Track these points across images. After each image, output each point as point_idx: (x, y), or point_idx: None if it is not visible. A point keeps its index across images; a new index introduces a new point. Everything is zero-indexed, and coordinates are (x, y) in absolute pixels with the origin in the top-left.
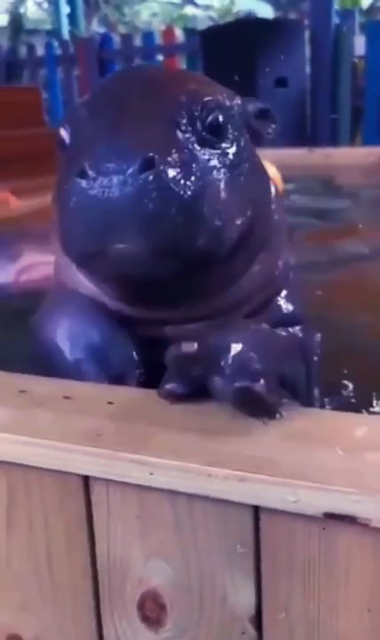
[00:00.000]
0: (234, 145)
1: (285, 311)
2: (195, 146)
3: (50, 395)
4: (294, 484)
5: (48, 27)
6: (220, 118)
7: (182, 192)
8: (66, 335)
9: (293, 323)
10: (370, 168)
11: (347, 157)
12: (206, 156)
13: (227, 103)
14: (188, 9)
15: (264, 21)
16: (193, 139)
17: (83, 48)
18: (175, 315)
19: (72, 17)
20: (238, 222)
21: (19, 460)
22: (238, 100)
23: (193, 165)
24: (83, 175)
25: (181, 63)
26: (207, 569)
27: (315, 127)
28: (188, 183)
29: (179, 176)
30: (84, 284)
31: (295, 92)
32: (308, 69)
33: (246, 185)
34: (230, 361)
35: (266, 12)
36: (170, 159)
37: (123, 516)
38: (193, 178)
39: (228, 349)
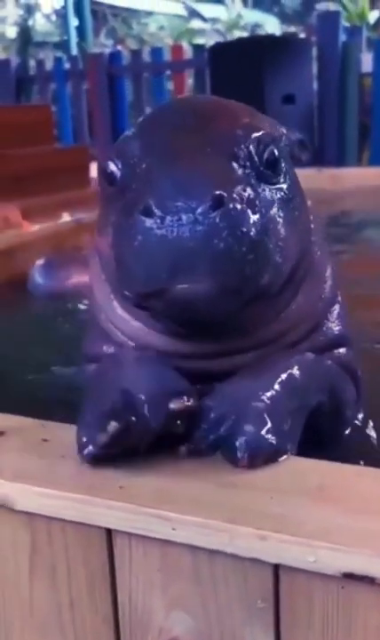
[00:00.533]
0: (287, 178)
1: (331, 335)
2: (255, 181)
3: (72, 443)
4: (314, 544)
5: (56, 39)
6: (275, 152)
7: (250, 230)
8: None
9: (339, 345)
10: None
11: (357, 179)
12: (266, 192)
13: (277, 135)
14: (195, 22)
15: (271, 39)
16: (253, 174)
17: (93, 63)
18: (223, 347)
19: (80, 30)
20: (292, 256)
21: (41, 512)
22: (283, 130)
23: (257, 202)
24: (149, 213)
25: (189, 79)
26: (227, 622)
27: (322, 144)
28: (254, 221)
29: (246, 214)
30: (128, 322)
31: (302, 108)
32: (315, 86)
33: (298, 217)
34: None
35: (273, 24)
36: (236, 197)
37: (145, 568)
38: (258, 215)
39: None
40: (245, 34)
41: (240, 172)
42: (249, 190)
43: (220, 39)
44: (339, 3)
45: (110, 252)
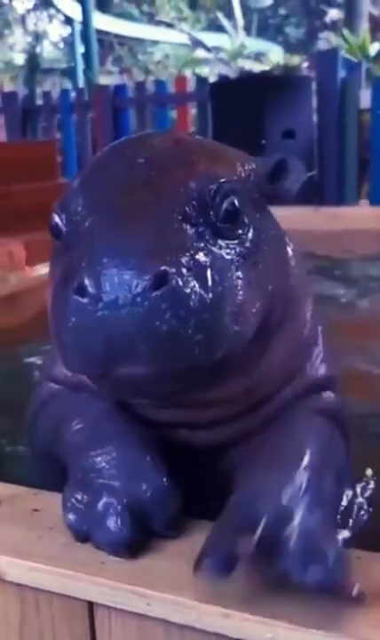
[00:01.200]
0: (251, 227)
1: (314, 378)
2: (210, 241)
3: (60, 515)
4: (272, 623)
5: (63, 66)
6: (236, 203)
7: (198, 308)
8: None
9: (325, 387)
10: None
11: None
12: (222, 252)
13: (243, 176)
14: (199, 51)
15: (272, 76)
16: (206, 233)
17: (98, 95)
18: (200, 415)
19: (87, 57)
20: (257, 316)
21: (30, 584)
22: (252, 165)
23: (209, 269)
24: (83, 293)
25: (192, 110)
26: None
27: (322, 178)
28: (204, 294)
29: (195, 288)
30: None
31: (302, 143)
32: (315, 121)
33: (265, 268)
34: (293, 539)
35: (277, 53)
36: (184, 270)
37: (123, 639)
38: (209, 284)
39: (287, 520)
40: (249, 62)
41: (191, 233)
42: (199, 256)
43: (224, 68)
44: (340, 35)
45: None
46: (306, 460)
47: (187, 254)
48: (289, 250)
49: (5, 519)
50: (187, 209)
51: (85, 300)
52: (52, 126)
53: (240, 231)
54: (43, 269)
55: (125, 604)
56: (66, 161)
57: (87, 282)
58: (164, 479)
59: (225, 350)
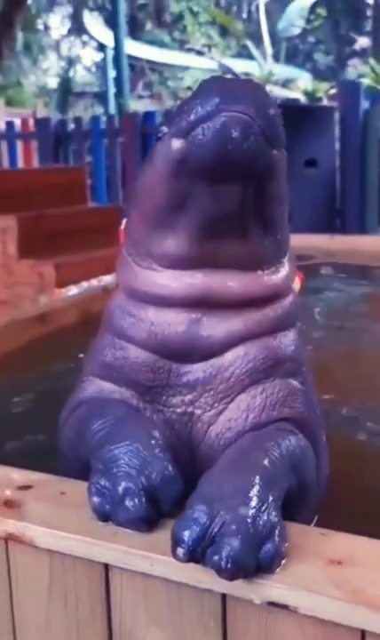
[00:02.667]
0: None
1: (284, 352)
2: None
3: (84, 497)
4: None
5: (96, 89)
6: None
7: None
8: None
9: (295, 372)
10: None
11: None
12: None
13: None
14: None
15: (296, 106)
16: None
17: (128, 122)
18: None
19: (118, 82)
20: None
21: (58, 549)
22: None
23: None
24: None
25: None
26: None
27: (344, 206)
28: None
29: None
30: (147, 275)
31: (324, 172)
32: (337, 151)
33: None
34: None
35: (305, 79)
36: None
37: (133, 596)
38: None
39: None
40: (277, 89)
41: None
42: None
43: None
44: (367, 64)
45: (140, 193)
46: (260, 471)
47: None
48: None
49: (37, 499)
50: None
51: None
52: (83, 151)
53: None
54: (72, 290)
55: (133, 565)
56: (95, 184)
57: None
58: (170, 468)
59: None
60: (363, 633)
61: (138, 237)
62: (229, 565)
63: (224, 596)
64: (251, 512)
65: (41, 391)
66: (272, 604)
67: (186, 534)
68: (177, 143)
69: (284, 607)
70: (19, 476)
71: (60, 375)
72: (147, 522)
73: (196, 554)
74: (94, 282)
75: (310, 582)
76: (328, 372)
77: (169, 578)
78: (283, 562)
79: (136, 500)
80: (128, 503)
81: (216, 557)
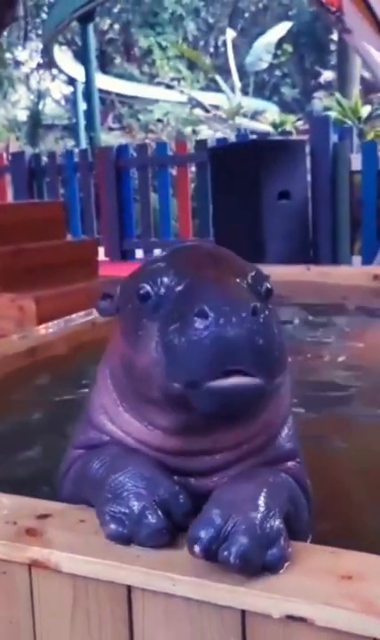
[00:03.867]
0: (271, 305)
1: (282, 450)
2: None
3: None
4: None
5: (65, 122)
6: (268, 286)
7: (274, 331)
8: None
9: (289, 458)
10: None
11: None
12: (267, 312)
13: (266, 276)
14: (198, 110)
15: (268, 141)
16: (260, 298)
17: (101, 156)
18: (204, 445)
19: (88, 115)
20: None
21: (81, 573)
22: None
23: (269, 315)
24: (205, 315)
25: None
26: None
27: (316, 236)
28: (273, 327)
29: (272, 321)
30: (131, 423)
31: (297, 204)
32: (309, 183)
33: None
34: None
35: (273, 111)
36: (263, 309)
37: (154, 613)
38: (273, 323)
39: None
40: (246, 120)
41: (253, 295)
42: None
43: (222, 126)
44: (333, 97)
45: (128, 362)
46: (269, 486)
47: (260, 303)
48: None
49: (58, 527)
50: (249, 282)
51: (206, 321)
52: (57, 184)
53: (270, 306)
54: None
55: (155, 586)
56: (70, 218)
57: (207, 307)
58: (175, 486)
59: (282, 375)
60: None
61: (129, 393)
62: (237, 561)
63: (243, 613)
64: (260, 516)
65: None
66: (290, 617)
67: (203, 534)
68: (177, 388)
69: (302, 620)
70: (37, 505)
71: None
72: (169, 532)
73: (211, 552)
74: (80, 316)
75: (324, 596)
76: None
77: (190, 597)
78: (287, 564)
79: (154, 514)
80: (147, 519)
81: (226, 553)
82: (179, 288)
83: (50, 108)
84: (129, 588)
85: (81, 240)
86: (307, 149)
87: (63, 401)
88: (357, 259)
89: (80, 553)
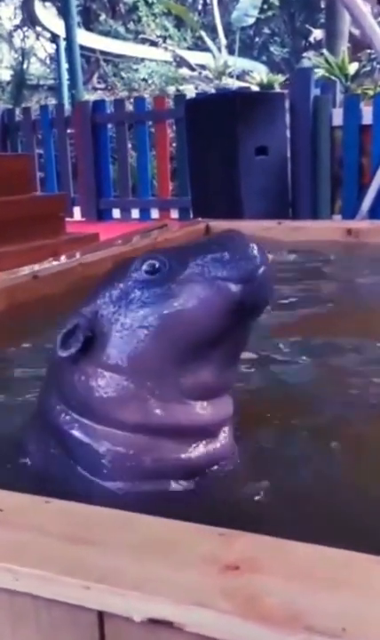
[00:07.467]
0: None
1: None
2: None
3: None
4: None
5: (50, 82)
6: None
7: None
8: None
9: None
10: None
11: (313, 232)
12: None
13: None
14: (184, 70)
15: (245, 93)
16: None
17: (78, 111)
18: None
19: (70, 73)
20: None
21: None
22: None
23: None
24: (231, 239)
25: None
26: None
27: (296, 194)
28: None
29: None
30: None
31: (275, 160)
32: (288, 138)
33: None
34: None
35: (261, 71)
36: None
37: None
38: None
39: None
40: (233, 80)
41: None
42: None
43: (208, 86)
44: (321, 55)
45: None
46: None
47: None
48: None
49: None
50: None
51: (235, 241)
52: (32, 141)
53: None
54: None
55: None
56: (46, 176)
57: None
58: None
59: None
60: None
61: (156, 373)
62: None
63: (100, 614)
64: None
65: None
66: (153, 621)
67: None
68: (236, 288)
69: (168, 624)
70: None
71: None
72: None
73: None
74: (26, 269)
75: (197, 594)
76: None
77: (36, 594)
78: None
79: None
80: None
81: None
82: (185, 250)
83: (34, 68)
84: None
85: (47, 195)
86: (287, 103)
87: None
88: (337, 218)
89: None
